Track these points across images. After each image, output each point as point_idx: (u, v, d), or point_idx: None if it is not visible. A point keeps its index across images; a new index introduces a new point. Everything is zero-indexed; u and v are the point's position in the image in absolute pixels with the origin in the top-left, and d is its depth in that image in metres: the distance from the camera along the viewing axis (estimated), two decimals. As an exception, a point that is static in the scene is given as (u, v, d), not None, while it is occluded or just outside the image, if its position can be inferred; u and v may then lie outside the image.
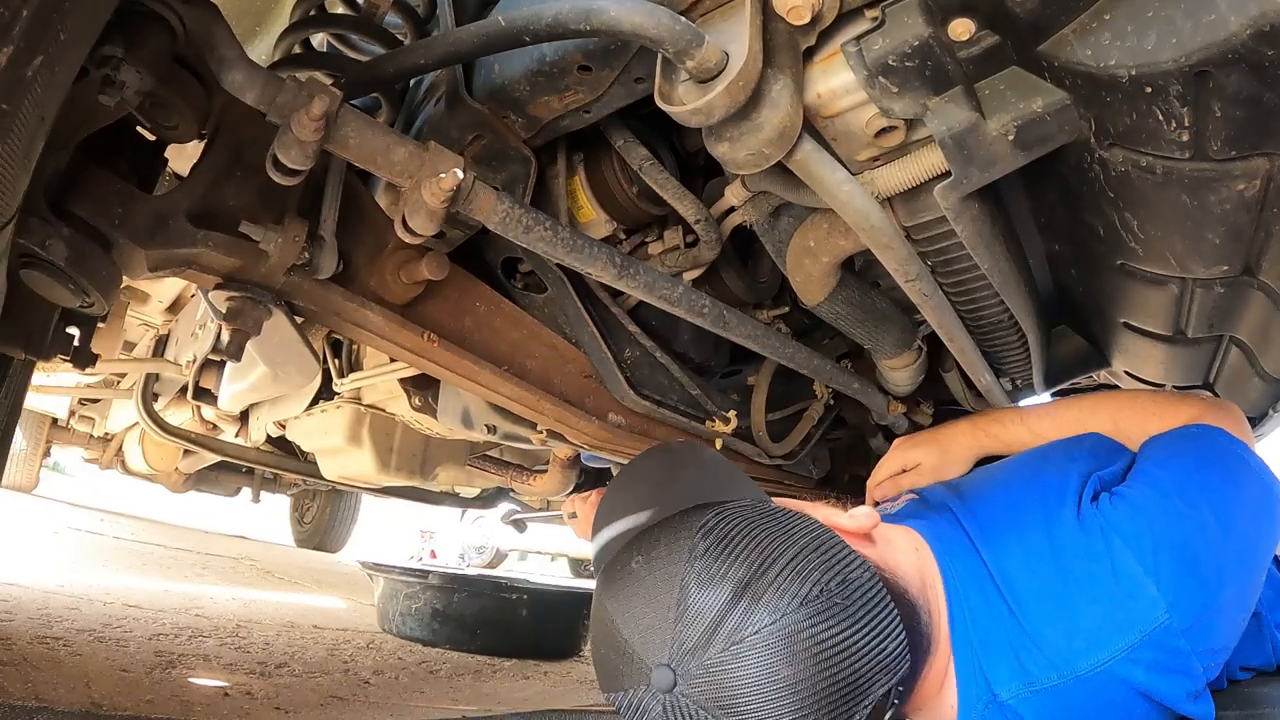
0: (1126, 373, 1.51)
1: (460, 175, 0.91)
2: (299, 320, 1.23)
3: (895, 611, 0.89)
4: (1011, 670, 0.96)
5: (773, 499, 1.01)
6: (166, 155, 1.19)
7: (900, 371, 1.61)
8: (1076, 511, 1.05)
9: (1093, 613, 0.96)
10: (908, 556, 1.05)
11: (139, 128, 1.09)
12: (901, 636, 0.87)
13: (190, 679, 1.76)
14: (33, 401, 4.02)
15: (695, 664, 0.80)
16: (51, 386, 3.30)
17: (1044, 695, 0.94)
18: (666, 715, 0.82)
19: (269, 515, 7.80)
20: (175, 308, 2.61)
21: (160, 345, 2.75)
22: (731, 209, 1.29)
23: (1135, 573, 0.95)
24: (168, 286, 2.51)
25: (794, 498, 1.07)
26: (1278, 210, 0.85)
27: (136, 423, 3.16)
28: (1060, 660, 0.94)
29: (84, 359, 1.53)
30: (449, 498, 3.74)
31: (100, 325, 2.43)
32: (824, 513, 0.99)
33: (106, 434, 4.46)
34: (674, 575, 0.84)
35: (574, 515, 1.82)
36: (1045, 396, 2.28)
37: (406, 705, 1.82)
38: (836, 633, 0.82)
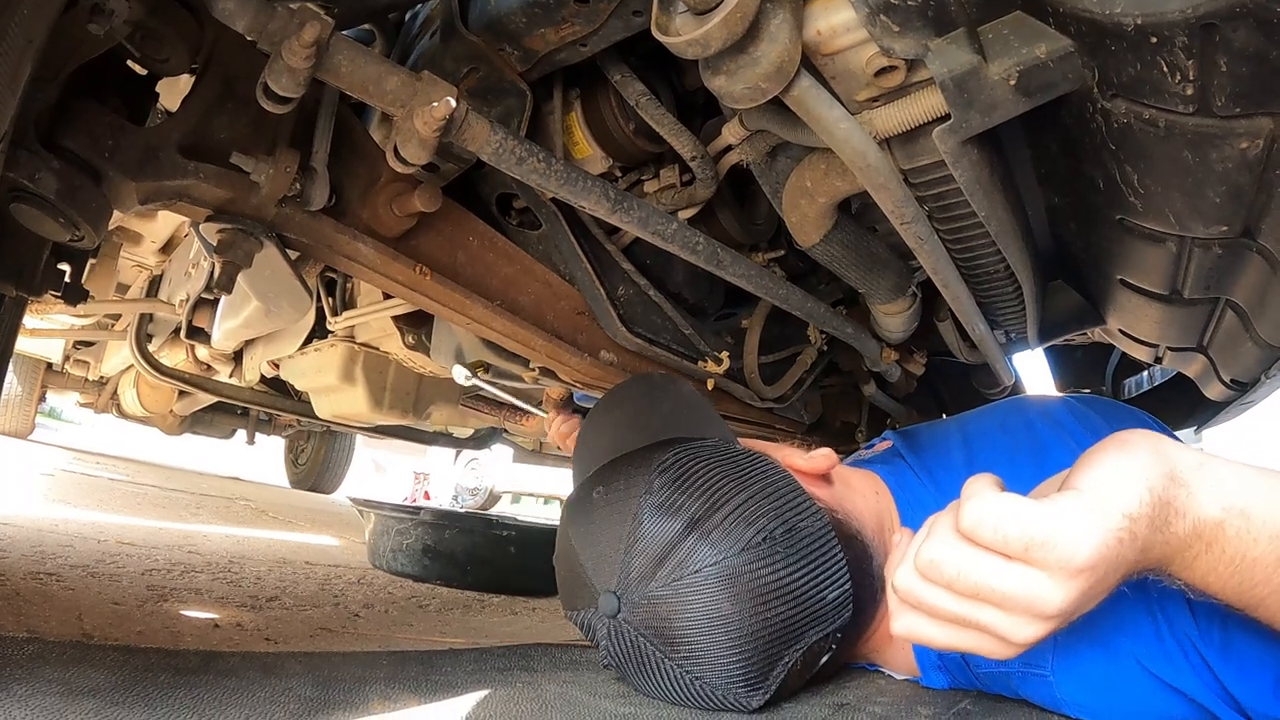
0: (1121, 331, 1.51)
1: (453, 104, 0.90)
2: (291, 254, 1.23)
3: (842, 560, 0.90)
4: None
5: (739, 439, 1.04)
6: (157, 90, 1.17)
7: (894, 318, 1.61)
8: None
9: None
10: (865, 499, 1.06)
11: (130, 61, 1.07)
12: (845, 586, 0.90)
13: (182, 612, 1.78)
14: (27, 346, 4.03)
15: (639, 593, 0.86)
16: (46, 330, 3.30)
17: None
18: (610, 637, 0.89)
19: (264, 458, 7.85)
20: (169, 248, 2.60)
21: (154, 286, 2.75)
22: (728, 147, 1.28)
23: None
24: (161, 227, 2.49)
25: (768, 439, 1.08)
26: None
27: (131, 365, 3.17)
28: None
29: (75, 295, 1.53)
30: (442, 438, 3.77)
31: (91, 261, 2.44)
32: (785, 453, 1.02)
33: (101, 377, 4.48)
34: (628, 509, 0.90)
35: (551, 413, 1.90)
36: (1039, 351, 2.28)
37: (395, 637, 1.85)
38: (776, 578, 0.85)
